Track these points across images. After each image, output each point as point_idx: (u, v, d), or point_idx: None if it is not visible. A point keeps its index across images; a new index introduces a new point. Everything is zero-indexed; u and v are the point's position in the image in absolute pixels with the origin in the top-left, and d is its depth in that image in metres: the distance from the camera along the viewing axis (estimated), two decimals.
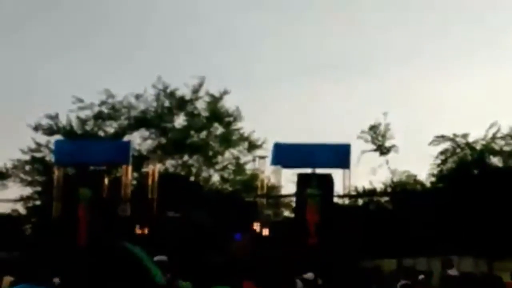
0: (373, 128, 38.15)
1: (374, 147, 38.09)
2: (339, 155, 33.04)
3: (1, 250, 31.66)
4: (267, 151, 35.70)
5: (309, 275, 18.04)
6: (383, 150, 37.92)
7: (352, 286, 26.60)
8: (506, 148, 35.88)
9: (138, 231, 30.90)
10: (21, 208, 39.33)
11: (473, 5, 51.85)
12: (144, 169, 37.11)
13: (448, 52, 53.25)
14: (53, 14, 55.47)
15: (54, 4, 56.30)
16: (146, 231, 30.83)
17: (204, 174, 40.24)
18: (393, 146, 37.95)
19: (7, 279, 27.76)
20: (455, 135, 36.67)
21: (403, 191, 37.41)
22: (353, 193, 36.66)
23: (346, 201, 35.54)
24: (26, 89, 53.02)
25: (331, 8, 54.63)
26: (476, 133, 36.56)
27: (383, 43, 53.42)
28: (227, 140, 39.96)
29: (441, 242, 31.00)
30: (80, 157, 32.91)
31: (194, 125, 40.37)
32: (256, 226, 31.58)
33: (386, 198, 38.53)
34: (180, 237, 30.16)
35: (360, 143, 37.92)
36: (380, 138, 38.04)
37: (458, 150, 36.74)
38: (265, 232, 31.27)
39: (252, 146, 39.79)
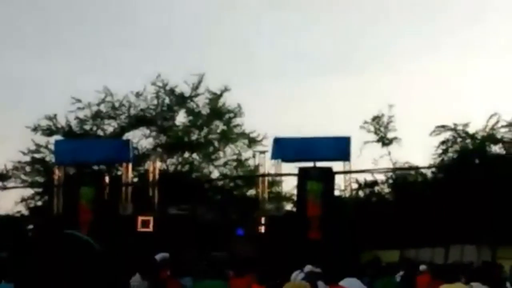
0: (376, 119, 38.04)
1: (376, 138, 37.99)
2: (340, 148, 33.01)
3: (3, 251, 31.61)
4: (268, 146, 35.55)
5: (309, 267, 17.99)
6: (385, 141, 37.81)
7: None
8: (508, 136, 35.70)
9: (140, 229, 30.84)
10: (23, 209, 39.26)
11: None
12: (144, 167, 37.00)
13: (450, 46, 53.25)
14: (49, 14, 55.51)
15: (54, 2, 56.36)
16: (148, 229, 30.75)
17: (205, 171, 40.06)
18: (395, 137, 37.84)
19: None
20: (455, 124, 36.50)
21: (404, 182, 37.28)
22: (354, 185, 36.61)
23: (347, 193, 35.51)
24: (23, 90, 53.08)
25: (332, 5, 54.66)
26: (478, 123, 36.48)
27: (385, 36, 53.45)
28: (228, 137, 39.76)
29: (443, 232, 30.94)
30: (80, 156, 32.75)
31: (195, 123, 40.13)
32: (258, 222, 31.56)
33: (387, 190, 38.42)
34: (183, 234, 30.13)
35: (363, 134, 37.91)
36: (382, 129, 37.93)
37: (459, 139, 36.59)
38: (267, 227, 31.24)
39: (253, 142, 39.59)
